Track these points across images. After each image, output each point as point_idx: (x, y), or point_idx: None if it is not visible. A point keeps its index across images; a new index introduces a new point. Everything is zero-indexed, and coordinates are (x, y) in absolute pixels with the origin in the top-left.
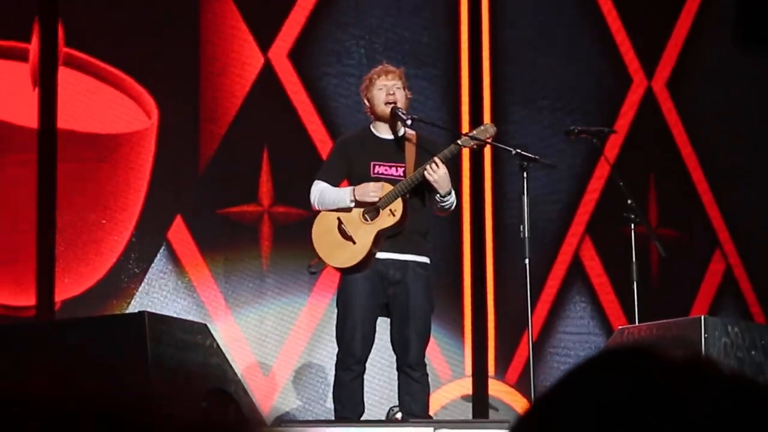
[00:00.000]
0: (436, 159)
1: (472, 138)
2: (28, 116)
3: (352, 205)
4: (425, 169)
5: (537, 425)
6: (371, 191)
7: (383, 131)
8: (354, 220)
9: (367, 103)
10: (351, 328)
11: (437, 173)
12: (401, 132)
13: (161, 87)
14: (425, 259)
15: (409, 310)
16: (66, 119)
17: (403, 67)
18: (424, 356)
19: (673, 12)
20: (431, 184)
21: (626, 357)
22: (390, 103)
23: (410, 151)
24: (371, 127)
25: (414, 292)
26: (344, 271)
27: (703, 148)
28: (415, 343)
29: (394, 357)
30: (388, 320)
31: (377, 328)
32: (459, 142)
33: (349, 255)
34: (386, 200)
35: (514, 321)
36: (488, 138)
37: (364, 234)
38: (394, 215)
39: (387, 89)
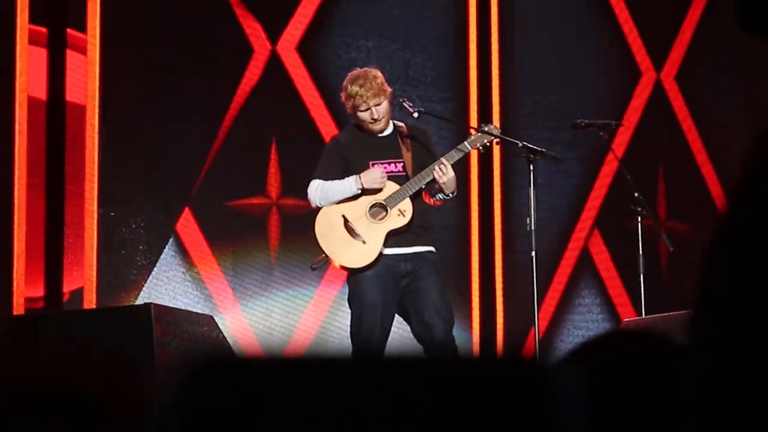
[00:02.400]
0: (444, 161)
1: (477, 140)
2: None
3: (359, 191)
4: (434, 170)
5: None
6: (379, 178)
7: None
8: (360, 217)
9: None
10: (369, 324)
11: (447, 176)
12: (390, 127)
13: (169, 77)
14: (431, 248)
15: (424, 294)
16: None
17: (377, 72)
18: (451, 335)
19: (683, 3)
20: (439, 184)
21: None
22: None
23: (405, 144)
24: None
25: (426, 275)
26: (352, 271)
27: (712, 141)
28: (439, 323)
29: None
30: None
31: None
32: (467, 144)
33: (360, 255)
34: (394, 200)
35: (523, 313)
36: (493, 140)
37: (374, 234)
38: (404, 215)
39: (368, 116)
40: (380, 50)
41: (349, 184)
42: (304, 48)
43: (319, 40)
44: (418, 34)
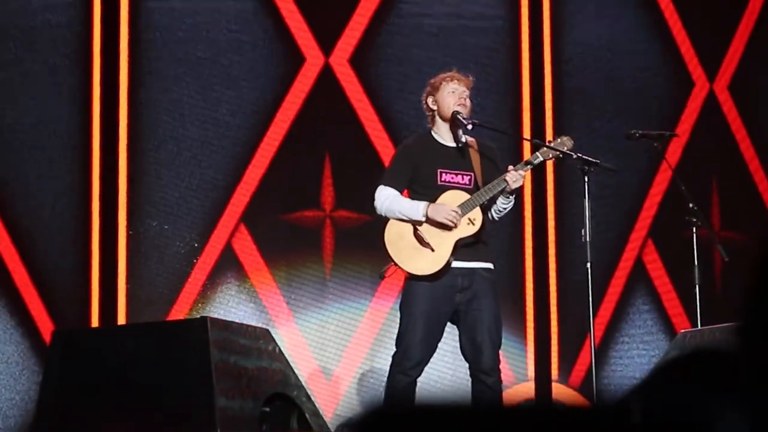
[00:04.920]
0: (519, 170)
1: (551, 149)
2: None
3: (424, 220)
4: (506, 177)
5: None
6: (446, 215)
7: (446, 138)
8: (430, 225)
9: (432, 106)
10: (412, 332)
11: (520, 182)
12: (463, 139)
13: (221, 88)
14: (490, 265)
15: (479, 315)
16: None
17: (472, 77)
18: (498, 361)
19: (736, 14)
20: (511, 188)
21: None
22: (459, 107)
23: (475, 158)
24: (433, 133)
25: (483, 296)
26: (418, 278)
27: (765, 151)
28: (488, 347)
29: (465, 364)
30: (455, 328)
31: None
32: (539, 154)
33: (428, 263)
34: (464, 208)
35: (577, 324)
36: (567, 150)
37: (443, 242)
38: (473, 224)
39: (459, 94)
40: (432, 63)
41: (417, 211)
42: (356, 61)
43: (371, 52)
44: (469, 46)
